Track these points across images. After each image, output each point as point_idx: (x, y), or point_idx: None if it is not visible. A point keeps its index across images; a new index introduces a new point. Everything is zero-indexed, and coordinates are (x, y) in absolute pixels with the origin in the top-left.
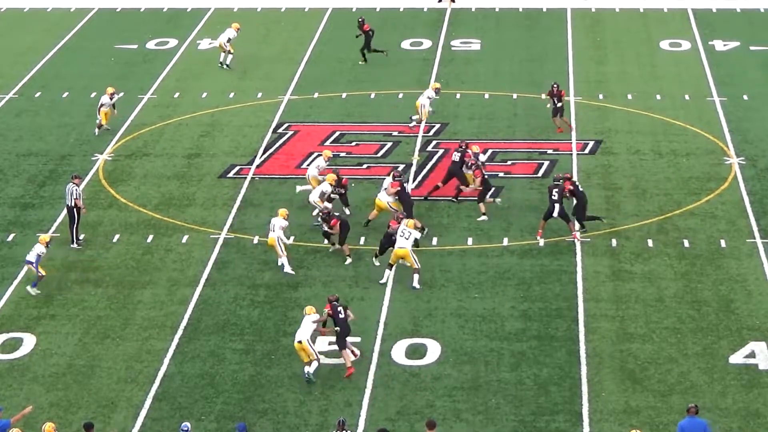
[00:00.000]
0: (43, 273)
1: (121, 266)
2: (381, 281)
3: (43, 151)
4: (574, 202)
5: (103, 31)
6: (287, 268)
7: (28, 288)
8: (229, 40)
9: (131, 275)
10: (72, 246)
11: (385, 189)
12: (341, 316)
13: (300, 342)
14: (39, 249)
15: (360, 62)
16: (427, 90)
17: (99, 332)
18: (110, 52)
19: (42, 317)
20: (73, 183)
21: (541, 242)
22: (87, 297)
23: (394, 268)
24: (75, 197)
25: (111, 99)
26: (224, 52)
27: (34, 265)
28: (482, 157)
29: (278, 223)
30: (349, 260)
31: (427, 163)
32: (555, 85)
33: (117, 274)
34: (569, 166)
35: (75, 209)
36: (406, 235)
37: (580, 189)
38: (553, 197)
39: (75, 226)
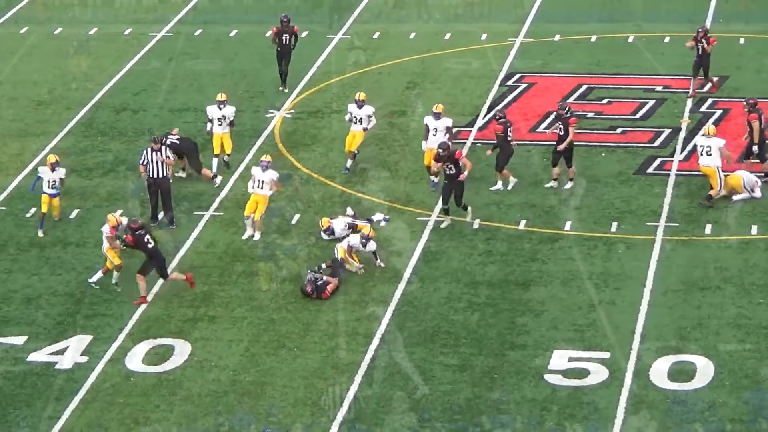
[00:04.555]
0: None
1: (302, 255)
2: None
3: (204, 106)
4: None
5: None
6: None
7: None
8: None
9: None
10: (152, 225)
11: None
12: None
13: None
14: None
15: (281, 87)
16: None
17: (272, 340)
18: None
19: (199, 319)
20: (153, 148)
21: None
22: (257, 294)
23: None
24: (162, 158)
25: (220, 109)
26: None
27: None
28: None
29: None
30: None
31: (699, 128)
32: (701, 29)
33: (296, 265)
34: None
35: (162, 180)
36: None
37: None
38: None
39: (156, 201)
